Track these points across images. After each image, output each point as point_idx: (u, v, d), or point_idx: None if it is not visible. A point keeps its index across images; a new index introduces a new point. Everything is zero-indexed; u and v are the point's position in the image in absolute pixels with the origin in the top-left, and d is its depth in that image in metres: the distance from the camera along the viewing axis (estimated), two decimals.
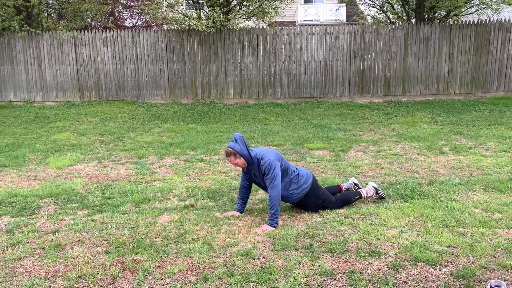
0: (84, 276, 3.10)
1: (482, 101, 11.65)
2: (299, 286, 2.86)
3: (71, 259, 3.39)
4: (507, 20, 11.69)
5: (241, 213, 4.39)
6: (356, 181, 5.02)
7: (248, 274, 3.05)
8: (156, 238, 3.79)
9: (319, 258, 3.29)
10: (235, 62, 11.79)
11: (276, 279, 2.96)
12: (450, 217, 4.13)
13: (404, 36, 11.58)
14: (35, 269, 3.24)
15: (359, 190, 4.73)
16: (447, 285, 2.81)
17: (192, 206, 4.72)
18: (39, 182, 5.88)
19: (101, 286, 2.97)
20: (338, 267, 3.14)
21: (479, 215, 4.16)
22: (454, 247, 3.43)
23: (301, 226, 4.01)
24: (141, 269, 3.17)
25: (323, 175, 5.89)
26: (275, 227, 3.92)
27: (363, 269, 3.09)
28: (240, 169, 4.49)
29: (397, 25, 11.97)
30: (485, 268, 3.05)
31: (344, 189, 4.90)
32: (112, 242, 3.72)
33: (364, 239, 3.63)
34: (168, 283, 2.96)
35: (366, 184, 5.02)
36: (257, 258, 3.31)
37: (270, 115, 10.97)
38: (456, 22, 11.86)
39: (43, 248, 3.63)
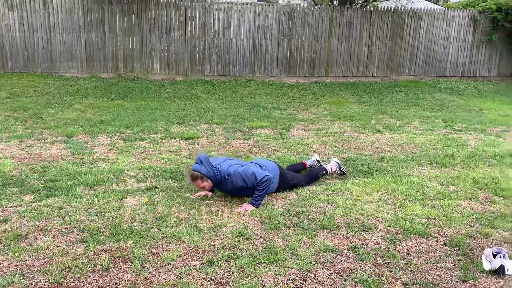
0: (68, 269, 2.71)
1: (396, 83, 12.54)
2: (311, 265, 2.81)
3: (42, 251, 2.95)
4: (419, 9, 12.64)
5: (213, 192, 4.19)
6: (318, 158, 5.08)
7: (253, 255, 2.91)
8: (132, 223, 3.45)
9: (316, 235, 3.26)
10: (161, 36, 11.17)
11: (285, 259, 2.87)
12: (414, 191, 4.37)
13: (329, 18, 11.93)
14: (2, 265, 2.75)
15: (324, 166, 4.79)
16: (447, 255, 2.97)
17: (156, 187, 4.39)
18: None
19: (94, 279, 2.62)
20: (338, 243, 3.14)
21: (438, 188, 4.47)
22: (433, 219, 3.64)
23: (281, 204, 3.95)
24: (133, 257, 2.86)
25: (277, 153, 5.87)
26: (257, 207, 3.80)
27: (363, 244, 3.13)
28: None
29: (323, 6, 12.27)
30: (469, 236, 3.29)
31: (308, 166, 4.93)
32: (84, 229, 3.30)
33: (349, 215, 3.69)
34: (171, 270, 2.71)
35: (329, 160, 5.10)
36: (255, 239, 3.18)
37: (201, 92, 10.65)
38: (375, 8, 12.52)
39: (4, 241, 3.10)
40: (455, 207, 3.93)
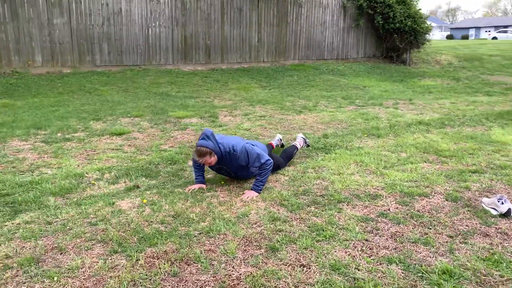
0: (133, 282, 2.41)
1: (285, 68, 13.27)
2: (363, 234, 2.98)
3: (81, 270, 2.55)
4: None
5: (205, 184, 4.04)
6: (281, 137, 5.27)
7: (306, 236, 2.96)
8: (151, 225, 3.17)
9: (341, 209, 3.43)
10: (42, 24, 9.87)
11: (337, 233, 2.99)
12: (378, 160, 4.84)
13: (220, 5, 11.98)
14: None
15: (294, 144, 4.99)
16: (457, 208, 3.43)
17: (138, 187, 4.05)
18: None
19: (173, 286, 2.39)
20: (365, 213, 3.37)
21: (393, 156, 5.02)
22: (416, 181, 4.12)
23: (280, 186, 4.02)
24: (193, 257, 2.67)
25: None
26: (259, 193, 3.80)
27: (385, 210, 3.41)
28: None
29: None
30: (457, 191, 3.82)
31: (275, 146, 5.06)
32: (104, 240, 2.93)
33: (348, 187, 3.95)
34: (243, 263, 2.61)
35: (296, 137, 5.31)
36: (290, 220, 3.22)
37: (99, 84, 9.79)
38: None
39: (18, 268, 2.57)
40: (422, 169, 4.49)
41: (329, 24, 14.18)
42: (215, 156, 3.74)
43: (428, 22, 15.21)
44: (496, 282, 2.40)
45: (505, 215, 3.19)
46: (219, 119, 7.25)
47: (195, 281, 2.43)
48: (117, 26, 10.68)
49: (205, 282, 2.42)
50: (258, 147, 4.16)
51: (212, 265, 2.60)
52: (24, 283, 2.42)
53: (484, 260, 2.60)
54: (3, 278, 2.47)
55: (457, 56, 17.88)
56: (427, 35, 14.96)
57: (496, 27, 61.82)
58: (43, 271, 2.54)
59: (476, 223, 3.14)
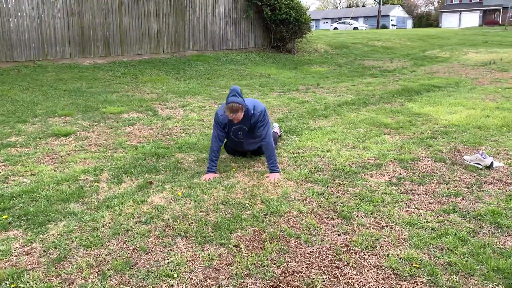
0: (254, 264, 2.45)
1: (187, 58, 13.15)
2: (404, 195, 3.41)
3: (189, 264, 2.47)
4: None
5: (217, 173, 4.07)
6: (278, 125, 5.51)
7: (360, 203, 3.27)
8: (210, 214, 3.15)
9: (365, 179, 3.82)
10: None
11: (384, 198, 3.36)
12: (346, 136, 5.35)
13: None
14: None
15: (274, 131, 5.22)
16: (449, 167, 4.08)
17: (151, 183, 3.87)
18: None
19: (296, 261, 2.49)
20: (387, 179, 3.81)
21: (355, 132, 5.60)
22: (396, 150, 4.72)
23: (290, 167, 4.24)
24: (285, 235, 2.78)
25: (193, 131, 5.80)
26: (279, 172, 3.99)
27: (399, 174, 3.90)
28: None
29: None
30: (436, 154, 4.51)
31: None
32: (178, 234, 2.85)
33: (350, 161, 4.36)
34: (334, 232, 2.81)
35: (272, 126, 5.51)
36: (334, 193, 3.49)
37: None
38: None
39: (120, 273, 2.38)
40: (389, 140, 5.14)
41: (223, 15, 14.43)
42: (243, 112, 3.87)
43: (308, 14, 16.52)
44: None
45: (489, 167, 3.94)
46: (158, 112, 7.04)
47: (310, 252, 2.57)
48: (3, 17, 9.35)
49: (320, 252, 2.57)
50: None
51: (310, 241, 2.75)
52: (148, 285, 2.27)
53: (508, 201, 3.25)
54: (114, 285, 2.27)
55: (329, 44, 19.77)
56: (308, 25, 16.23)
57: (332, 19, 69.22)
58: (151, 271, 2.40)
59: (475, 176, 3.83)
